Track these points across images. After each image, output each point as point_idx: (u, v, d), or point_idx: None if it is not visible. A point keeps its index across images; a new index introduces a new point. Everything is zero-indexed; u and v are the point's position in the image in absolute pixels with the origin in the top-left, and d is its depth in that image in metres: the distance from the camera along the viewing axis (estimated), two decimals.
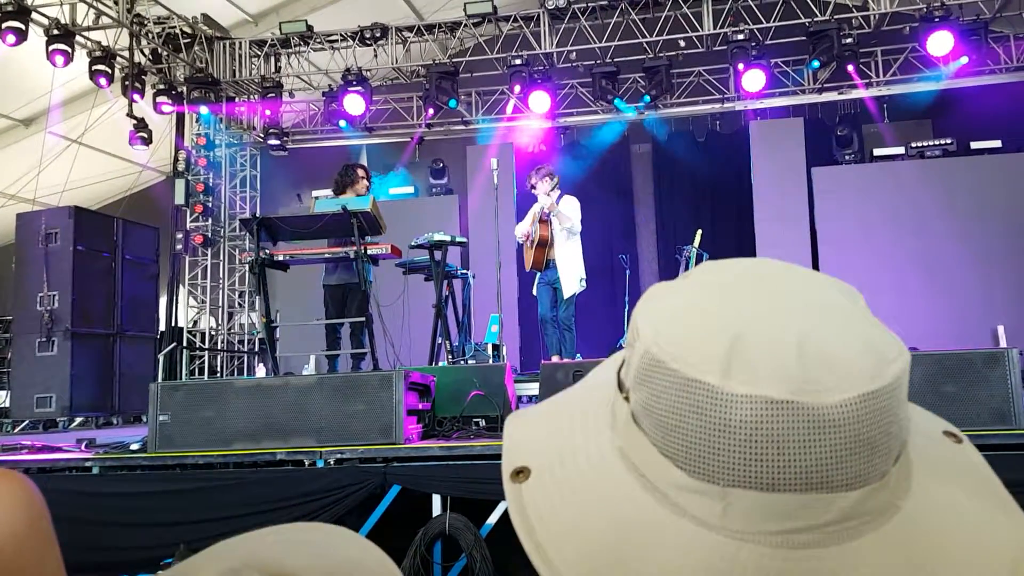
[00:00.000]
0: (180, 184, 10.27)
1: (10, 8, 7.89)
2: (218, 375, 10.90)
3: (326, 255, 6.10)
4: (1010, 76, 9.55)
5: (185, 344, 9.90)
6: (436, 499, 3.93)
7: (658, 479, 0.46)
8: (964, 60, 8.95)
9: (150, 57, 9.83)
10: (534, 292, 7.39)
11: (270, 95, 10.29)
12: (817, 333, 0.44)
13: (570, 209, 7.05)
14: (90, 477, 4.26)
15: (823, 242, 9.62)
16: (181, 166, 10.33)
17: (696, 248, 7.92)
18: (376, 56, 10.18)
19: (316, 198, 6.82)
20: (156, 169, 12.19)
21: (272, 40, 10.32)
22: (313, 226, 5.78)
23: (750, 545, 0.43)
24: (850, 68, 9.08)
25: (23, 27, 8.00)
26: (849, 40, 8.89)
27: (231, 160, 11.48)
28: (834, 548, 0.43)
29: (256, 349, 11.25)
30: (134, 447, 4.41)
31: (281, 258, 5.97)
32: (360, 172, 6.90)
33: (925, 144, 9.75)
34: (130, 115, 9.44)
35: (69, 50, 8.43)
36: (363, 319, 5.91)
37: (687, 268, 7.89)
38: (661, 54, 9.54)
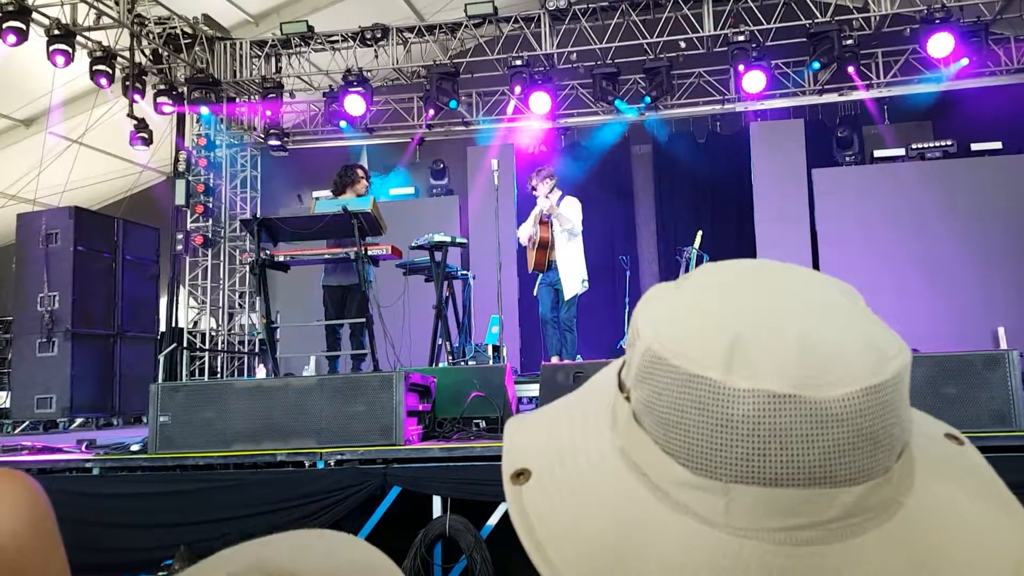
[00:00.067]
0: (180, 185, 10.28)
1: (11, 8, 7.90)
2: (218, 376, 10.89)
3: (326, 256, 6.10)
4: (1011, 78, 9.55)
5: (185, 345, 9.91)
6: (436, 500, 3.93)
7: (660, 477, 0.46)
8: (965, 62, 8.95)
9: (151, 57, 9.83)
10: (535, 293, 7.40)
11: (271, 96, 10.29)
12: (818, 332, 0.44)
13: (570, 211, 7.06)
14: (90, 478, 4.26)
15: (823, 243, 9.62)
16: (182, 166, 10.33)
17: (696, 249, 7.92)
18: (377, 57, 10.18)
19: (316, 199, 6.82)
20: (156, 169, 12.19)
21: (273, 40, 10.32)
22: (313, 227, 5.78)
23: (753, 542, 0.43)
24: (851, 69, 9.07)
25: (24, 27, 8.00)
26: (850, 41, 8.89)
27: (231, 161, 11.48)
28: (837, 545, 0.43)
29: (256, 350, 11.25)
30: (134, 448, 4.41)
31: (281, 259, 5.97)
32: (359, 173, 6.90)
33: (925, 145, 9.75)
34: (131, 115, 9.45)
35: (70, 50, 8.44)
36: (363, 320, 5.91)
37: (687, 269, 7.90)
38: (662, 55, 9.54)
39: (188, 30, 9.86)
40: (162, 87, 9.79)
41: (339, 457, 4.04)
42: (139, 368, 8.84)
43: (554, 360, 6.90)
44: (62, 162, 10.00)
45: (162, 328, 9.82)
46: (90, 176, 10.89)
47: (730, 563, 0.43)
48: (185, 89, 9.90)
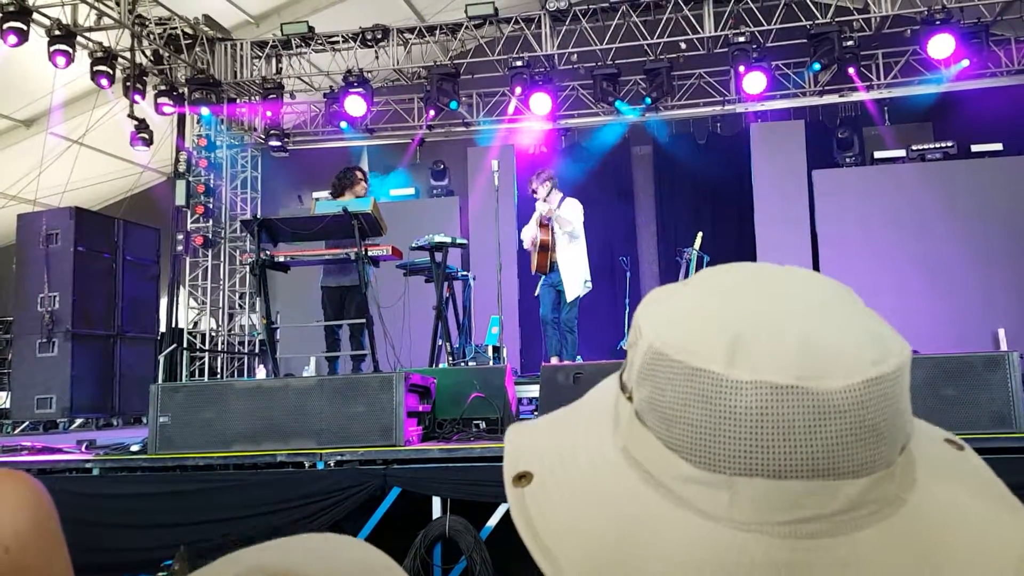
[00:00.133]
0: (181, 185, 10.28)
1: (11, 8, 7.90)
2: (218, 376, 10.89)
3: (327, 256, 6.10)
4: (1011, 79, 9.55)
5: (185, 345, 9.91)
6: (436, 501, 3.93)
7: (663, 473, 0.46)
8: (965, 63, 8.95)
9: (151, 58, 9.84)
10: (536, 294, 7.41)
11: (271, 96, 10.30)
12: (819, 331, 0.45)
13: (570, 213, 7.07)
14: (90, 478, 4.26)
15: (824, 244, 9.62)
16: (182, 167, 10.33)
17: (697, 250, 7.93)
18: (377, 57, 10.19)
19: (317, 199, 6.82)
20: (157, 170, 12.20)
21: (273, 41, 10.33)
22: (314, 227, 5.78)
23: (757, 536, 0.43)
24: (851, 71, 9.07)
25: (24, 27, 8.00)
26: (850, 43, 8.88)
27: (232, 161, 11.48)
28: (842, 538, 0.43)
29: (256, 351, 11.25)
30: (134, 448, 4.41)
31: (282, 259, 5.97)
32: (358, 175, 6.91)
33: (926, 147, 9.75)
34: (131, 116, 9.45)
35: (70, 51, 8.44)
36: (363, 321, 5.91)
37: (688, 270, 7.93)
38: (662, 56, 9.54)
39: (189, 31, 9.86)
40: (163, 88, 9.79)
41: (339, 458, 4.04)
42: (139, 368, 8.85)
43: (554, 361, 6.91)
44: (62, 162, 10.00)
45: (162, 328, 9.82)
46: (90, 176, 10.89)
47: (735, 557, 0.43)
48: (186, 90, 9.91)
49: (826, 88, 9.93)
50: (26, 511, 0.75)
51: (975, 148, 9.60)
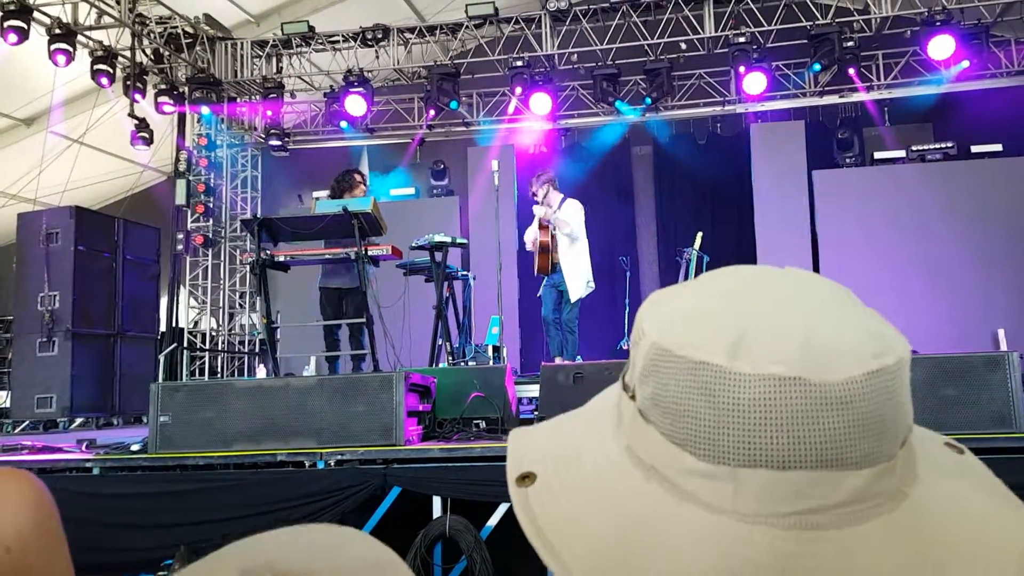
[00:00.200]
0: (181, 184, 10.28)
1: (12, 7, 7.90)
2: (219, 376, 10.89)
3: (327, 256, 6.10)
4: (1011, 80, 9.55)
5: (186, 345, 9.91)
6: (436, 501, 3.93)
7: (667, 467, 0.46)
8: (965, 64, 8.95)
9: (152, 57, 9.84)
10: (539, 294, 7.42)
11: (271, 96, 10.30)
12: (821, 326, 0.46)
13: (569, 215, 7.08)
14: (90, 478, 4.26)
15: (824, 245, 9.62)
16: (182, 166, 10.33)
17: (697, 250, 7.92)
18: (377, 57, 10.19)
19: (317, 199, 6.83)
20: (157, 169, 12.20)
21: (274, 41, 10.33)
22: (314, 227, 5.78)
23: (762, 527, 0.43)
24: (851, 71, 9.08)
25: (25, 26, 8.00)
26: (850, 43, 8.89)
27: (232, 160, 11.48)
28: (845, 530, 0.43)
29: (257, 350, 11.25)
30: (134, 448, 4.41)
31: (282, 259, 5.97)
32: (357, 178, 6.91)
33: (926, 147, 9.75)
34: (131, 115, 9.45)
35: (71, 49, 8.44)
36: (363, 321, 5.91)
37: (687, 270, 7.92)
38: (662, 56, 9.54)
39: (189, 30, 9.86)
40: (163, 87, 9.79)
41: (339, 457, 4.04)
42: (139, 368, 8.85)
43: (557, 361, 6.92)
44: (63, 162, 10.00)
45: (162, 328, 9.82)
46: (91, 176, 10.89)
47: (741, 549, 0.43)
48: (186, 89, 9.91)
49: (826, 89, 9.94)
50: (28, 510, 0.75)
51: (975, 149, 9.60)
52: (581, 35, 9.66)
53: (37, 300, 8.10)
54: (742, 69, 9.14)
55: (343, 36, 10.17)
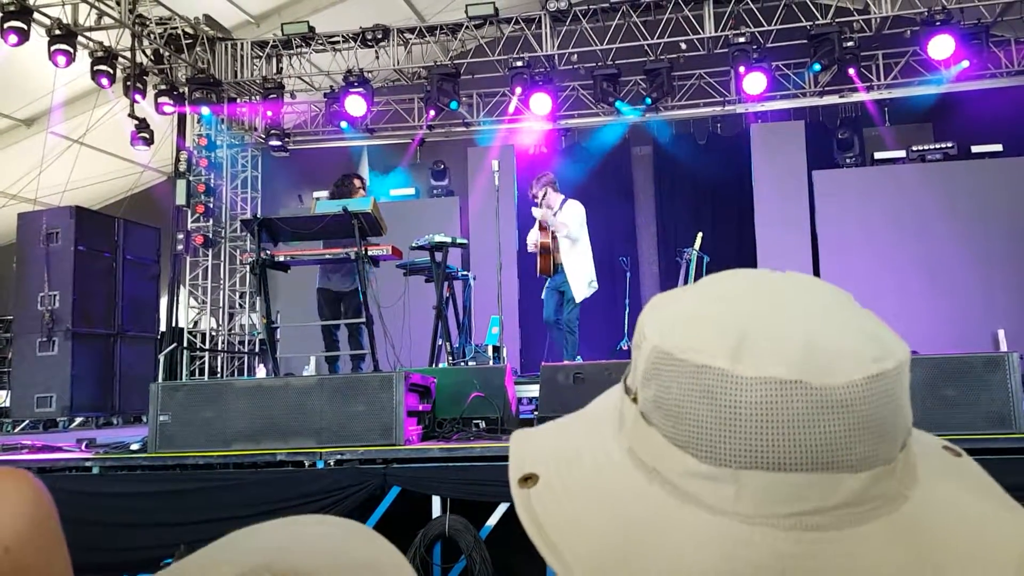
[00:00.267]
0: (181, 185, 10.28)
1: (12, 8, 7.90)
2: (218, 376, 10.89)
3: (327, 256, 6.10)
4: (1011, 80, 9.55)
5: (186, 345, 9.91)
6: (436, 500, 3.93)
7: (669, 470, 0.47)
8: (965, 64, 8.95)
9: (152, 57, 9.84)
10: (543, 296, 7.43)
11: (271, 96, 10.30)
12: (821, 330, 0.46)
13: (568, 216, 7.07)
14: (90, 477, 4.26)
15: (824, 245, 9.62)
16: (182, 167, 10.33)
17: (697, 251, 7.91)
18: (377, 57, 10.19)
19: (317, 199, 6.83)
20: (157, 170, 12.20)
21: (274, 41, 10.33)
22: (314, 227, 5.78)
23: (763, 528, 0.44)
24: (851, 71, 9.08)
25: (25, 27, 8.01)
26: (850, 43, 8.89)
27: (232, 161, 11.48)
28: (846, 531, 0.44)
29: (256, 350, 11.25)
30: (134, 447, 4.41)
31: (282, 259, 5.97)
32: (356, 183, 6.92)
33: (926, 147, 9.75)
34: (131, 115, 9.45)
35: (71, 50, 8.44)
36: (363, 321, 5.92)
37: (687, 270, 7.91)
38: (662, 57, 9.54)
39: (189, 30, 9.86)
40: (163, 87, 9.79)
41: (339, 457, 4.04)
42: (139, 368, 8.85)
43: (566, 362, 6.94)
44: (63, 162, 10.00)
45: (162, 328, 9.82)
46: (91, 176, 10.89)
47: (742, 551, 0.44)
48: (186, 89, 9.91)
49: (826, 89, 9.94)
50: (27, 510, 0.75)
51: (975, 149, 9.60)
52: (581, 35, 9.66)
53: (37, 300, 8.10)
54: (742, 69, 9.14)
55: (343, 36, 10.17)
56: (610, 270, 10.12)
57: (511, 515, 3.48)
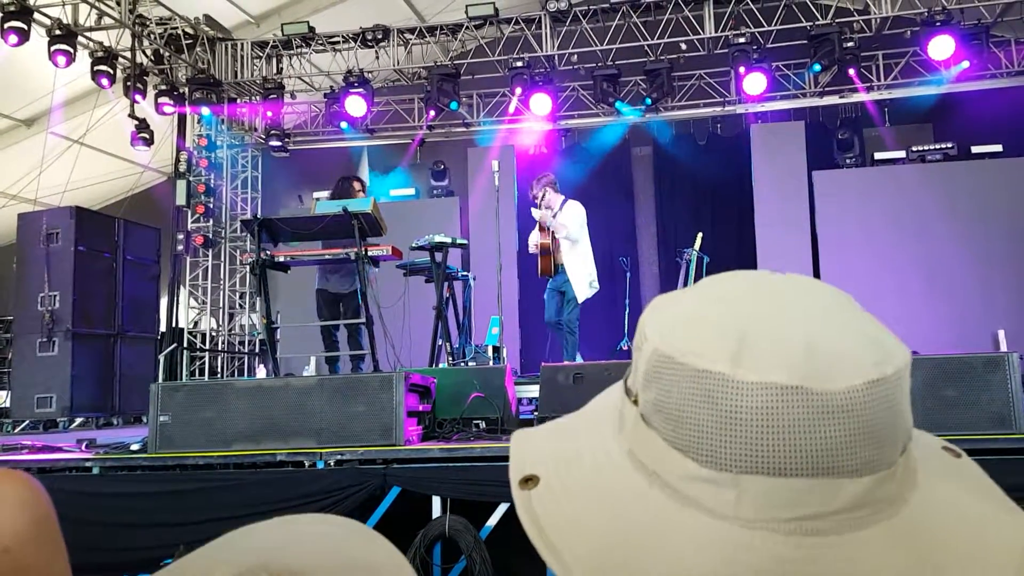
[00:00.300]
0: (181, 185, 10.28)
1: (12, 8, 7.91)
2: (218, 376, 10.89)
3: (327, 256, 6.10)
4: (1011, 80, 9.55)
5: (186, 345, 9.92)
6: (436, 501, 3.93)
7: (669, 473, 0.47)
8: (965, 64, 8.95)
9: (152, 58, 9.84)
10: (545, 297, 7.44)
11: (272, 96, 10.30)
12: (821, 334, 0.46)
13: (567, 218, 7.07)
14: (90, 477, 4.26)
15: (824, 246, 9.62)
16: (182, 167, 10.33)
17: (697, 251, 7.91)
18: (378, 58, 10.19)
19: (317, 199, 6.83)
20: (157, 170, 12.20)
21: (274, 41, 10.33)
22: (314, 227, 5.79)
23: (763, 533, 0.44)
24: (851, 72, 9.08)
25: (25, 27, 8.01)
26: (850, 44, 8.89)
27: (232, 161, 11.48)
28: (846, 536, 0.44)
29: (257, 350, 11.25)
30: (134, 447, 4.41)
31: (282, 259, 5.97)
32: (356, 186, 6.92)
33: (926, 148, 9.76)
34: (132, 116, 9.46)
35: (71, 50, 8.44)
36: (362, 321, 5.92)
37: (687, 271, 7.91)
38: (662, 57, 9.54)
39: (189, 30, 9.86)
40: (163, 87, 9.79)
41: (339, 457, 4.04)
42: (139, 368, 8.85)
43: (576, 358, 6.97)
44: (63, 162, 10.00)
45: (162, 328, 9.82)
46: (91, 176, 10.89)
47: (742, 555, 0.44)
48: (186, 89, 9.91)
49: (826, 89, 9.94)
50: (26, 511, 0.75)
51: (975, 149, 9.61)
52: (581, 36, 9.66)
53: (37, 300, 8.10)
54: (742, 69, 9.14)
55: (343, 37, 10.17)
56: (610, 270, 10.12)
57: (511, 515, 3.48)
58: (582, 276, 7.05)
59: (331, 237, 6.06)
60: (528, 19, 9.77)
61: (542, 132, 10.83)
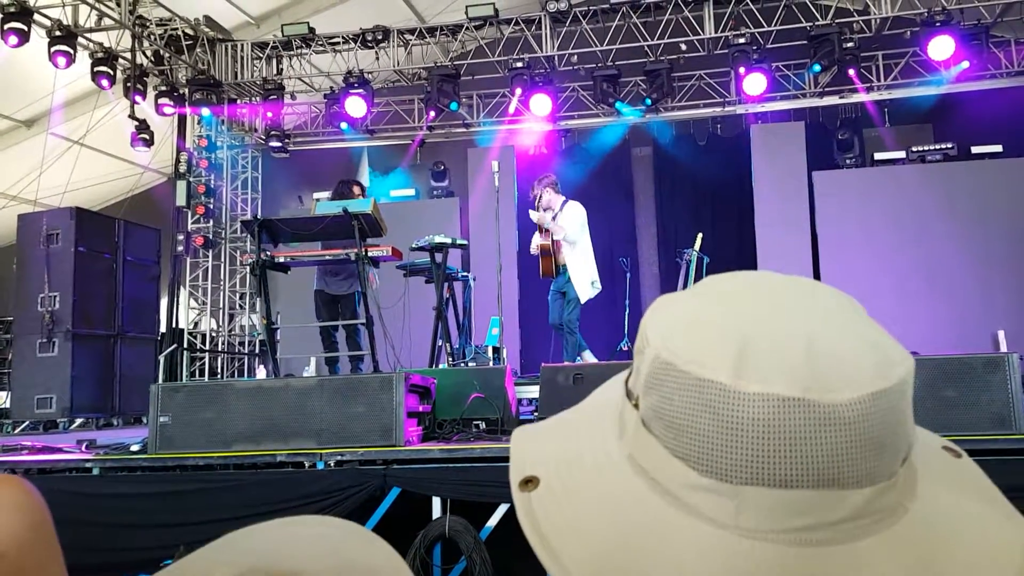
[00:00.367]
0: (181, 186, 10.28)
1: (12, 9, 7.91)
2: (219, 377, 10.89)
3: (327, 257, 6.10)
4: (1011, 81, 9.55)
5: (186, 346, 9.92)
6: (436, 501, 3.93)
7: (670, 481, 0.47)
8: (965, 64, 8.96)
9: (152, 59, 9.84)
10: (549, 298, 7.44)
11: (272, 97, 10.30)
12: (823, 337, 0.46)
13: (566, 219, 7.07)
14: (90, 478, 4.26)
15: (824, 246, 9.62)
16: (183, 168, 10.33)
17: (697, 252, 7.91)
18: (378, 58, 10.19)
19: (317, 200, 6.83)
20: (158, 171, 12.20)
21: (274, 42, 10.33)
22: (314, 228, 5.79)
23: (763, 543, 0.44)
24: (851, 72, 9.08)
25: (25, 28, 8.01)
26: (850, 44, 8.89)
27: (232, 162, 11.49)
28: (847, 545, 0.44)
29: (257, 351, 11.25)
30: (134, 448, 4.41)
31: (282, 260, 5.98)
32: (356, 190, 6.93)
33: (926, 148, 9.75)
34: (132, 116, 9.46)
35: (71, 51, 8.45)
36: (362, 322, 5.92)
37: (688, 271, 7.91)
38: (662, 57, 9.55)
39: (189, 31, 9.87)
40: (163, 88, 9.80)
41: (339, 458, 4.04)
42: (139, 369, 8.85)
43: (586, 357, 6.98)
44: (63, 163, 10.00)
45: (162, 329, 9.82)
46: (91, 177, 10.89)
47: (742, 564, 0.43)
48: (186, 90, 9.91)
49: (826, 89, 9.94)
50: (22, 516, 0.75)
51: (975, 150, 9.61)
52: (581, 36, 9.67)
53: (37, 301, 8.10)
54: (742, 70, 9.15)
55: (343, 37, 10.18)
56: (610, 271, 10.12)
57: (511, 516, 3.47)
58: (583, 276, 7.05)
59: (331, 238, 6.06)
60: (528, 20, 9.77)
61: (542, 133, 10.83)
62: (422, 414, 4.52)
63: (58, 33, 8.36)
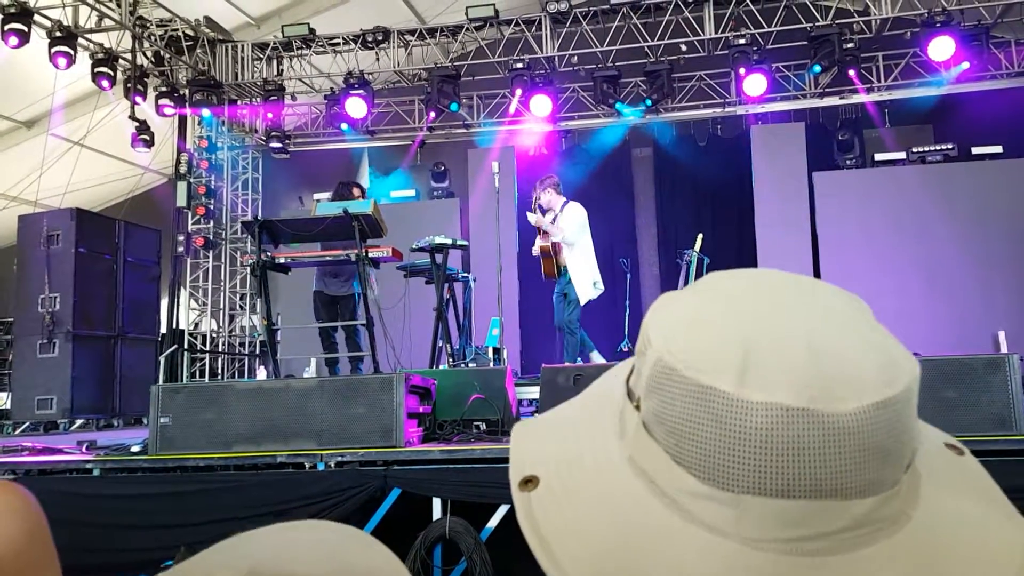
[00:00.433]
0: (182, 186, 10.29)
1: (12, 10, 7.91)
2: (219, 377, 10.90)
3: (327, 258, 6.11)
4: (1011, 81, 9.55)
5: (186, 346, 9.92)
6: (436, 502, 3.93)
7: (670, 486, 0.46)
8: (965, 65, 8.96)
9: (152, 59, 9.85)
10: (553, 299, 7.45)
11: (272, 98, 10.31)
12: (826, 342, 0.45)
13: (566, 221, 7.07)
14: (90, 479, 4.26)
15: (824, 247, 9.62)
16: (183, 168, 10.34)
17: (697, 252, 7.92)
18: (378, 59, 10.20)
19: (318, 201, 6.84)
20: (158, 171, 12.20)
21: (274, 43, 10.34)
22: (314, 229, 5.79)
23: (763, 552, 0.43)
24: (851, 73, 9.08)
25: (25, 29, 8.02)
26: (850, 45, 8.89)
27: (233, 163, 11.49)
28: (848, 555, 0.43)
29: (257, 352, 11.25)
30: (135, 449, 4.41)
31: (282, 261, 5.98)
32: (356, 191, 6.93)
33: (926, 149, 9.75)
34: (132, 117, 9.46)
35: (71, 52, 8.45)
36: (362, 322, 5.92)
37: (688, 272, 7.91)
38: (662, 58, 9.55)
39: (190, 32, 9.87)
40: (164, 89, 9.80)
41: (339, 459, 4.04)
42: (140, 369, 8.85)
43: (594, 358, 6.97)
44: (63, 164, 10.00)
45: (163, 330, 9.82)
46: (92, 178, 10.90)
47: (740, 572, 0.43)
48: (187, 91, 9.92)
49: (826, 90, 9.94)
50: (17, 521, 0.75)
51: (975, 150, 9.60)
52: (581, 37, 9.67)
53: (38, 302, 8.10)
54: (742, 71, 9.15)
55: (343, 38, 10.18)
56: (611, 271, 10.12)
57: (512, 517, 3.47)
58: (584, 277, 7.05)
59: (331, 239, 6.06)
60: (528, 20, 9.77)
61: (542, 133, 10.83)
62: (422, 415, 4.52)
63: (58, 34, 8.37)
